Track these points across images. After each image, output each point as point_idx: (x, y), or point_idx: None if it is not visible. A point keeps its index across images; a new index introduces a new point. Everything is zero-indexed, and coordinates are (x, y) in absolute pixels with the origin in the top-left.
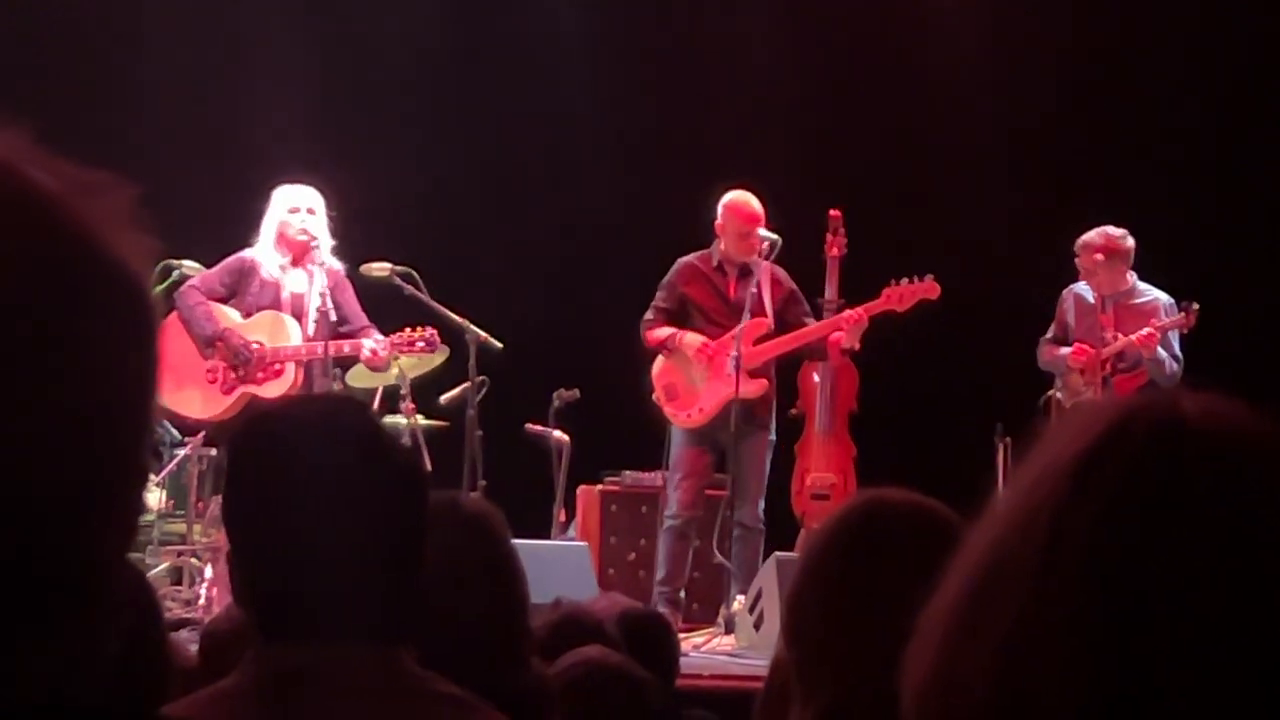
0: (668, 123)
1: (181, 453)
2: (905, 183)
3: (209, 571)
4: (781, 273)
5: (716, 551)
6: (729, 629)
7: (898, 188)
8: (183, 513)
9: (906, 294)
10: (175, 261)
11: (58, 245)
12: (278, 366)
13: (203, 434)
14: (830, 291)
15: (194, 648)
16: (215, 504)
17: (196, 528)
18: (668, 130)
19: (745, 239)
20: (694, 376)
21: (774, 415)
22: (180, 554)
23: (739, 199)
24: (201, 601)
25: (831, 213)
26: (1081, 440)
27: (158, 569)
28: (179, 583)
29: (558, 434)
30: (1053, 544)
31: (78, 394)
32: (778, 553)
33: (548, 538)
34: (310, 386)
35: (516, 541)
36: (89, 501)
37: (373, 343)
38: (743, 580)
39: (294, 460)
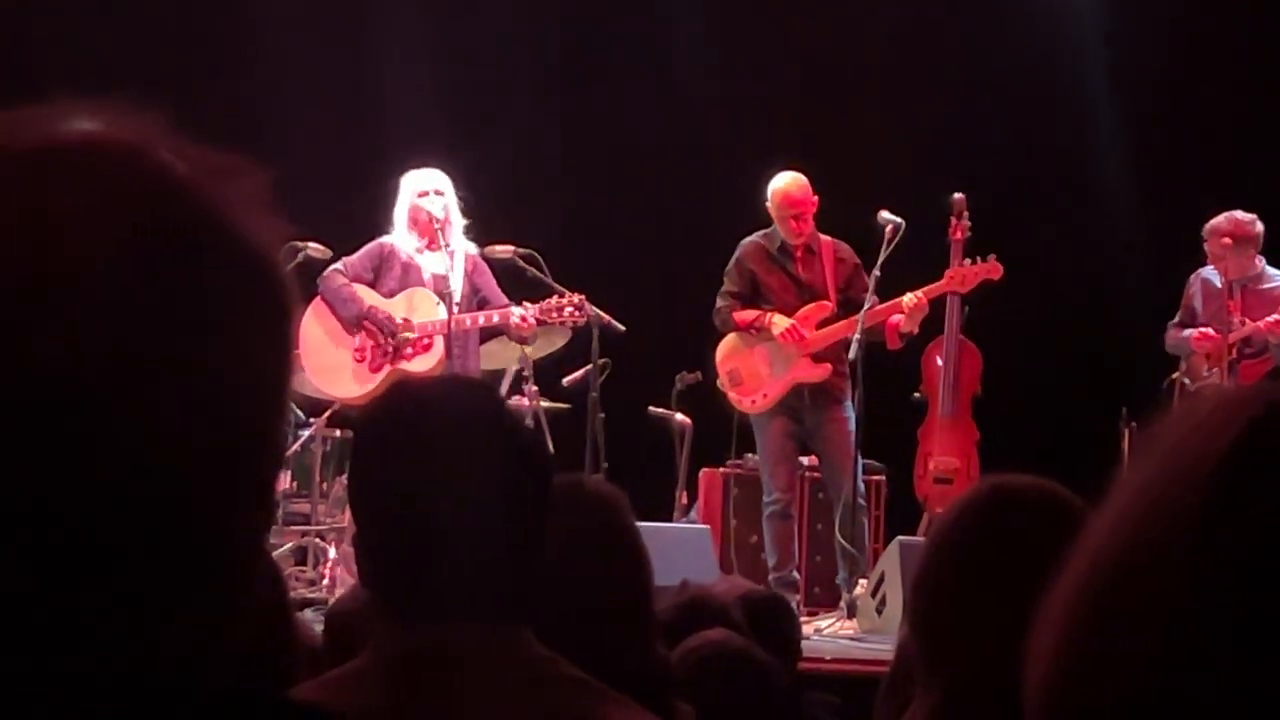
0: (793, 105)
1: (306, 433)
2: (1030, 167)
3: (332, 552)
4: (845, 249)
5: (839, 536)
6: (851, 613)
7: (1022, 170)
8: (307, 493)
9: (969, 275)
10: (300, 243)
11: (191, 228)
12: (426, 341)
13: (327, 414)
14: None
15: (319, 628)
16: (340, 485)
17: (320, 508)
18: (793, 112)
19: (792, 223)
20: (775, 360)
21: (850, 393)
22: (304, 534)
23: (783, 183)
24: (325, 582)
25: (955, 196)
26: (1228, 430)
27: (282, 549)
28: (303, 563)
29: (680, 417)
30: (1204, 540)
31: (214, 375)
32: (901, 537)
33: (670, 521)
34: (460, 364)
35: (639, 524)
36: (227, 480)
37: (522, 309)
38: (852, 559)
39: (421, 440)
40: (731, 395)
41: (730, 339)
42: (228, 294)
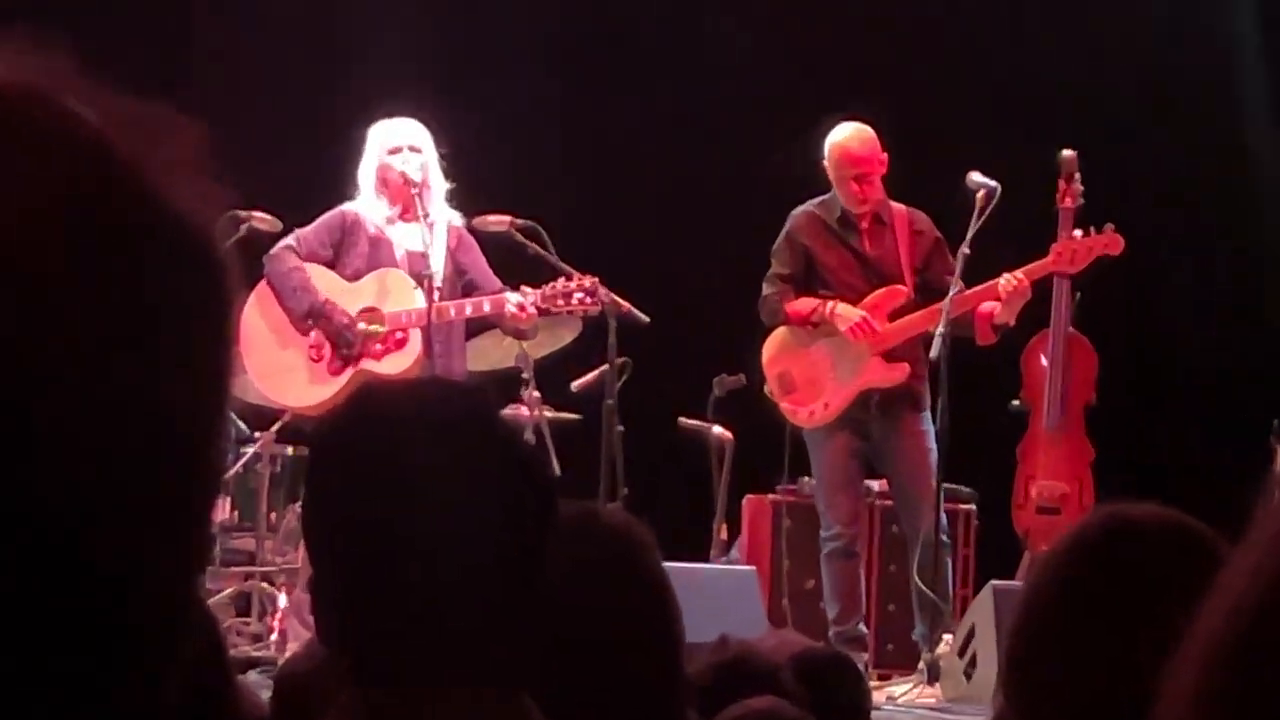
0: (854, 48)
1: (249, 451)
2: (1157, 117)
3: (283, 600)
4: (923, 219)
5: (917, 580)
6: (933, 676)
7: (1147, 122)
8: (251, 526)
9: (1080, 251)
10: (243, 213)
11: (104, 194)
12: (399, 335)
13: (276, 427)
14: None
15: (266, 694)
16: (292, 515)
17: (268, 544)
18: (856, 57)
19: (854, 186)
20: (839, 360)
21: (928, 398)
22: (248, 577)
23: (842, 136)
24: (274, 636)
25: (1065, 154)
26: None
27: (220, 596)
28: (246, 613)
29: (718, 430)
30: None
31: (130, 378)
32: (995, 581)
33: (706, 560)
34: (443, 364)
35: (667, 565)
36: (146, 509)
37: (520, 295)
38: (933, 608)
39: (393, 460)
40: (783, 405)
41: (781, 334)
42: (151, 277)
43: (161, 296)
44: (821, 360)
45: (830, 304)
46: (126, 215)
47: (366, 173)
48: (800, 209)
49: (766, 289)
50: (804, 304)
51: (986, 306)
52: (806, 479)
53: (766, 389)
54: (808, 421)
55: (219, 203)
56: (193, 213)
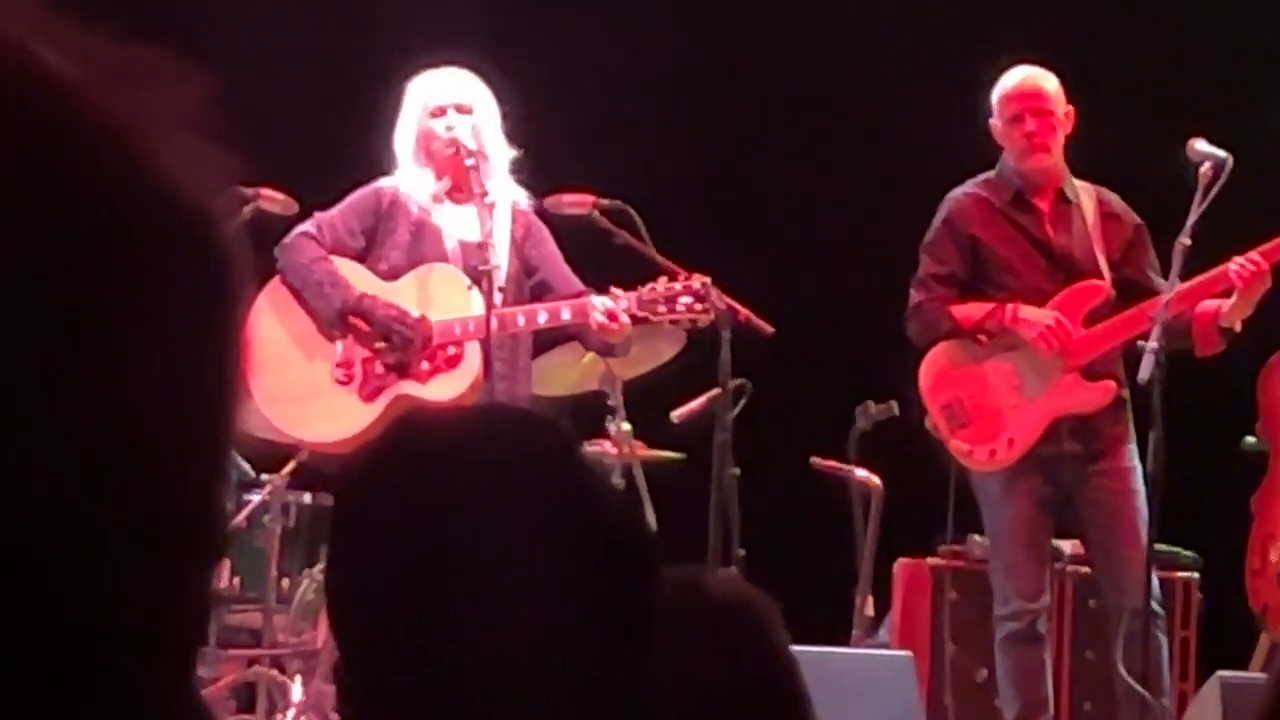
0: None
1: (255, 498)
2: None
3: (297, 691)
4: (1116, 201)
5: (1122, 669)
6: None
7: None
8: (257, 596)
9: None
10: (251, 190)
11: (82, 163)
12: (452, 351)
13: (290, 468)
14: None
15: None
16: (311, 581)
17: (278, 620)
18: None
19: (1019, 130)
20: (1027, 379)
21: (1133, 432)
22: (253, 663)
23: (1010, 77)
24: None
25: None
26: None
27: (217, 687)
28: (250, 708)
29: (862, 473)
30: None
31: (107, 399)
32: (1222, 672)
33: (847, 642)
34: (507, 388)
35: (795, 649)
36: (124, 573)
37: (607, 301)
38: (1142, 704)
39: (441, 515)
40: (953, 444)
41: (944, 351)
42: (127, 268)
43: (141, 293)
44: (1002, 382)
45: (1010, 307)
46: (97, 189)
47: (404, 140)
48: (958, 190)
49: (917, 295)
50: (973, 309)
51: (1208, 305)
52: (977, 537)
53: (929, 423)
54: (988, 463)
55: (222, 174)
56: (189, 187)
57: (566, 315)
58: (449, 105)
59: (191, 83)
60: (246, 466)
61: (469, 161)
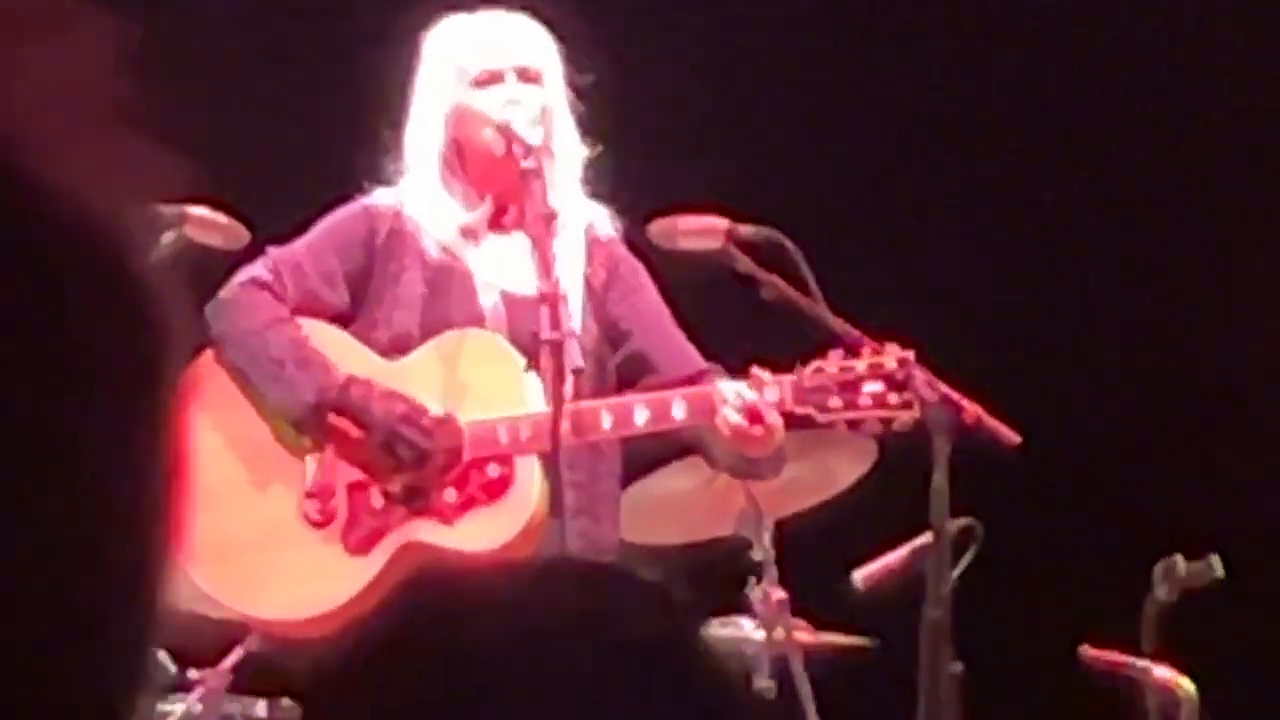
0: None
1: (178, 709)
2: None
3: None
4: None
5: None
6: None
7: None
8: None
9: None
10: (171, 208)
11: None
12: (495, 472)
13: (230, 661)
14: None
15: None
16: None
17: None
18: None
19: None
20: None
21: None
22: None
23: None
24: None
25: None
26: None
27: None
28: None
29: (1164, 672)
30: None
31: None
32: None
33: None
34: (582, 533)
35: None
36: None
37: (746, 389)
38: None
39: None
40: None
41: None
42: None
43: (24, 361)
44: None
45: None
46: None
47: (421, 130)
48: None
49: None
50: None
51: None
52: None
53: None
54: None
55: (146, 180)
56: (93, 199)
57: (680, 413)
58: (506, 69)
59: (108, 34)
60: (166, 659)
61: (527, 163)
